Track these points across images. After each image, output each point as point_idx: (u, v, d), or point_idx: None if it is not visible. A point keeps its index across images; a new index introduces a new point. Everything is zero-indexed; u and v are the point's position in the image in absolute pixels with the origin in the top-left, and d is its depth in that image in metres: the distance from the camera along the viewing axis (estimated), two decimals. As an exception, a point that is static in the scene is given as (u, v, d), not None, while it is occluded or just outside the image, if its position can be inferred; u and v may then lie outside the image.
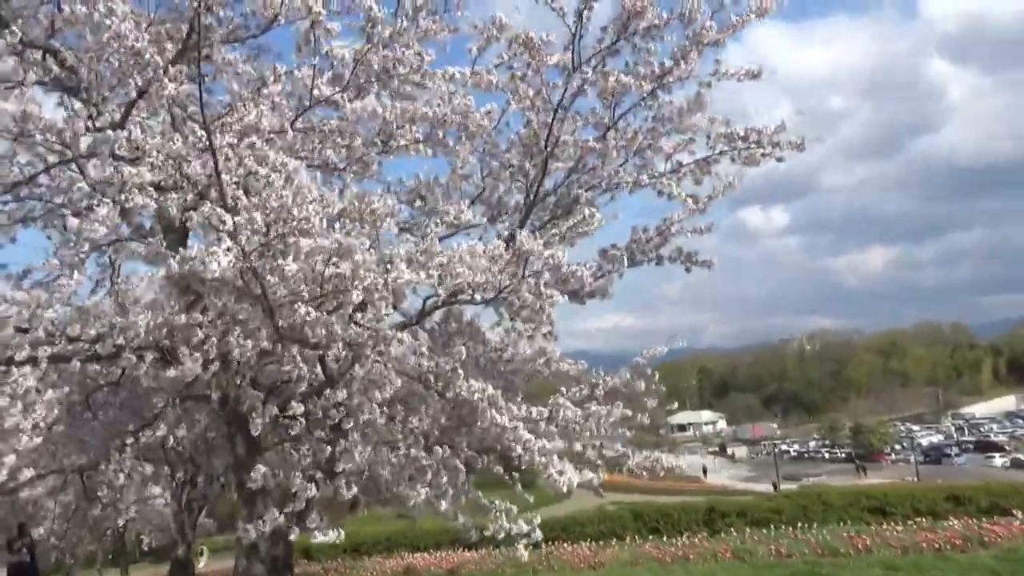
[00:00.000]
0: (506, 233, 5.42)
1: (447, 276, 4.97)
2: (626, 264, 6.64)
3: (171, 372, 6.43)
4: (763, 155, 6.56)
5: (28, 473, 5.80)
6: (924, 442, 75.91)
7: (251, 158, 4.85)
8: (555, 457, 5.90)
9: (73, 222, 5.74)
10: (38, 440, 5.43)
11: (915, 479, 45.85)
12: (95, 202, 6.22)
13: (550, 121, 6.08)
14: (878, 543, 11.86)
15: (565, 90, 5.94)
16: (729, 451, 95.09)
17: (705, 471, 63.95)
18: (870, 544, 11.76)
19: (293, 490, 6.51)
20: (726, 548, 12.67)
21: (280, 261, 4.96)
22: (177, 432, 9.78)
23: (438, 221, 4.86)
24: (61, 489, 13.47)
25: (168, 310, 7.96)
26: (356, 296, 4.45)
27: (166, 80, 5.55)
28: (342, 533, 6.67)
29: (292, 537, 7.40)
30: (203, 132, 4.94)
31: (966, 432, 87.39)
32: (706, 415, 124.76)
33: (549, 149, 6.14)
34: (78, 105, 7.08)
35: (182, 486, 14.22)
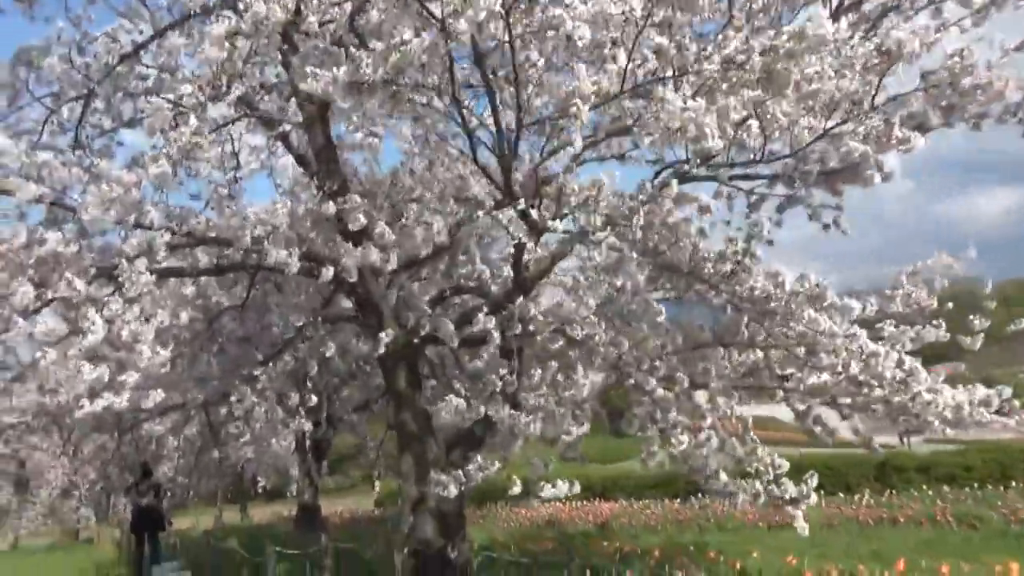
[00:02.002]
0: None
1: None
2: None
3: (326, 273, 4.83)
4: None
5: (156, 396, 4.32)
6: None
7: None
8: (921, 373, 3.98)
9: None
10: (164, 354, 3.90)
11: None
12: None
13: None
14: None
15: None
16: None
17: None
18: None
19: (510, 425, 4.90)
20: (941, 511, 10.48)
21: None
22: (311, 361, 8.41)
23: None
24: (184, 425, 12.62)
25: (309, 200, 6.41)
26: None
27: None
28: (577, 484, 5.12)
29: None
30: None
31: (1107, 385, 79.83)
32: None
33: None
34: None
35: (311, 426, 13.05)
